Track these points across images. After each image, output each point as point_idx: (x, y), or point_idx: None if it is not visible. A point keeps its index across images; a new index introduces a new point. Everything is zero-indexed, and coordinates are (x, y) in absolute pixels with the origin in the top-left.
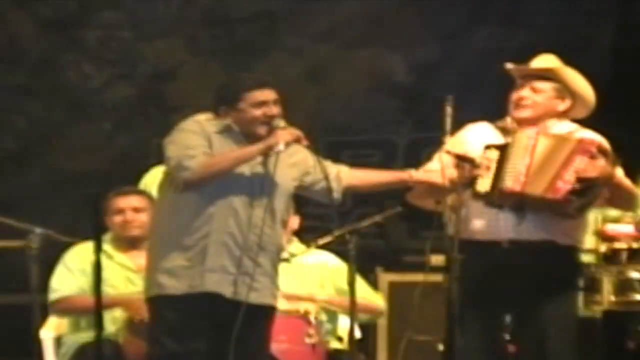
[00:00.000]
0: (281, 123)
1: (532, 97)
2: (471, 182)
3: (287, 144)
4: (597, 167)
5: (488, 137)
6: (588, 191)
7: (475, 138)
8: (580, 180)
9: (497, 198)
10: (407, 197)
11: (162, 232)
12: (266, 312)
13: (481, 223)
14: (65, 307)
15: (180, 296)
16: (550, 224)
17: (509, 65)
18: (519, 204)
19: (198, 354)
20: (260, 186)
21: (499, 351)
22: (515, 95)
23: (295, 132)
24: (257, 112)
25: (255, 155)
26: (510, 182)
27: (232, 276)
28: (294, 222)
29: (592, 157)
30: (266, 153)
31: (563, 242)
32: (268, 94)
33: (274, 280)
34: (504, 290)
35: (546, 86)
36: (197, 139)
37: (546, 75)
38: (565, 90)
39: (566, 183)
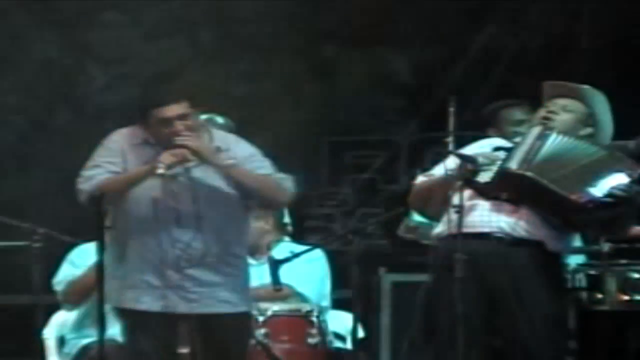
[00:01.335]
0: (181, 140)
1: (560, 114)
2: (472, 177)
3: (170, 167)
4: (632, 190)
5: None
6: (611, 209)
7: (486, 148)
8: (611, 195)
9: (497, 185)
10: (409, 202)
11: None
12: (221, 321)
13: (472, 216)
14: (74, 291)
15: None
16: (544, 226)
17: (550, 83)
18: (519, 191)
19: (156, 348)
20: (180, 199)
21: (482, 346)
22: (543, 110)
23: (180, 152)
24: (163, 129)
25: (140, 178)
26: (515, 165)
27: (159, 290)
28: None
29: (632, 179)
30: (152, 176)
31: (552, 247)
32: (173, 110)
33: (224, 287)
34: (488, 283)
35: (577, 108)
36: (108, 156)
37: (579, 96)
38: (591, 118)
39: (596, 192)
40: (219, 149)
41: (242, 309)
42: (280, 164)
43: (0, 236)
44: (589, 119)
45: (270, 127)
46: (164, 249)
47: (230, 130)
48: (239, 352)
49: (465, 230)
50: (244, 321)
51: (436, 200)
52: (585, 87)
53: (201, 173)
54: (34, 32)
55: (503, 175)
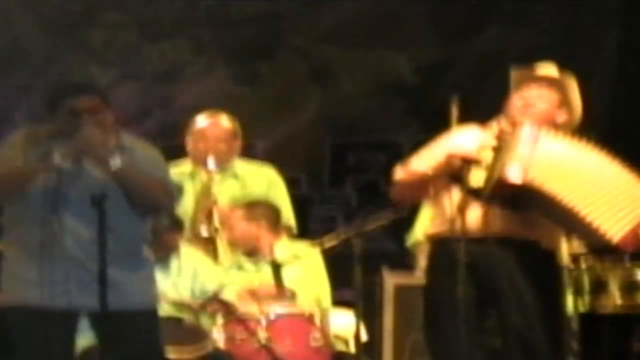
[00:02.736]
0: (88, 132)
1: (538, 103)
2: (462, 175)
3: (64, 156)
4: None
5: (478, 139)
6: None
7: (465, 140)
8: None
9: (492, 190)
10: (391, 194)
11: None
12: (129, 319)
13: (468, 218)
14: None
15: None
16: (537, 225)
17: (519, 70)
18: (516, 198)
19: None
20: (74, 192)
21: (483, 347)
22: (520, 99)
23: (75, 146)
24: (71, 120)
25: (35, 170)
26: (513, 172)
27: (62, 286)
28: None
29: None
30: (49, 168)
31: (546, 245)
32: (84, 102)
33: (129, 284)
34: (487, 286)
35: (553, 95)
36: (9, 151)
37: (553, 84)
38: (566, 102)
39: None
40: (122, 149)
41: (148, 306)
42: (283, 164)
43: None
44: (564, 104)
45: (273, 128)
46: (62, 243)
47: (236, 131)
48: (149, 351)
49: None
50: (152, 319)
51: (418, 197)
52: (557, 73)
53: (100, 170)
54: (35, 32)
55: (501, 183)
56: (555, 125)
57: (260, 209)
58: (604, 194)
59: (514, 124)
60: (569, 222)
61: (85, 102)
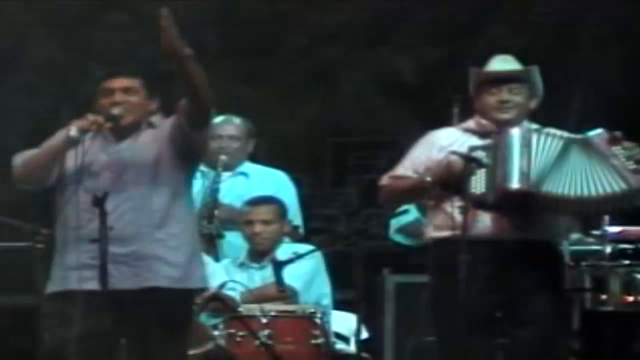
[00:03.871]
0: (116, 110)
1: (513, 98)
2: (464, 181)
3: (83, 131)
4: None
5: (459, 140)
6: None
7: (446, 142)
8: None
9: (496, 201)
10: (379, 202)
11: None
12: (158, 296)
13: (482, 221)
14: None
15: (51, 294)
16: (546, 223)
17: (477, 70)
18: (521, 204)
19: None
20: (109, 173)
21: (490, 348)
22: (493, 98)
23: (92, 118)
24: (104, 101)
25: (59, 145)
26: (516, 183)
27: (95, 270)
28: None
29: None
30: (68, 143)
31: (551, 243)
32: (115, 82)
33: (163, 261)
34: (497, 287)
35: (523, 88)
36: (52, 139)
37: (520, 76)
38: (534, 91)
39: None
40: (151, 125)
41: (184, 284)
42: (284, 164)
43: (3, 237)
44: (533, 92)
45: (274, 128)
46: (94, 224)
47: (249, 131)
48: (181, 328)
49: (473, 236)
50: (188, 297)
51: (406, 202)
52: (518, 64)
53: (128, 146)
54: (38, 33)
55: (505, 193)
56: (530, 114)
57: (284, 206)
58: (590, 171)
59: (497, 123)
60: (570, 208)
61: (123, 82)
